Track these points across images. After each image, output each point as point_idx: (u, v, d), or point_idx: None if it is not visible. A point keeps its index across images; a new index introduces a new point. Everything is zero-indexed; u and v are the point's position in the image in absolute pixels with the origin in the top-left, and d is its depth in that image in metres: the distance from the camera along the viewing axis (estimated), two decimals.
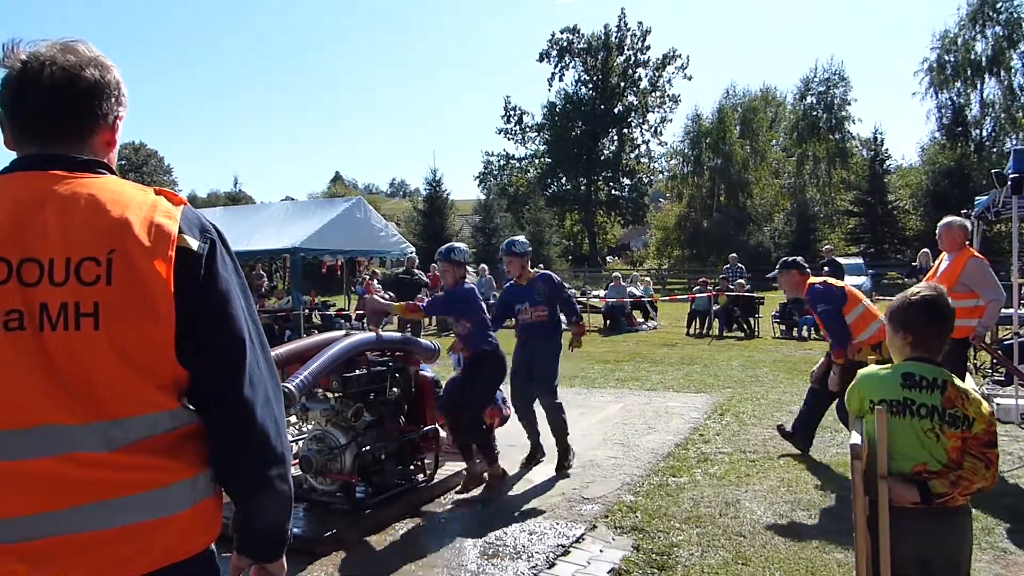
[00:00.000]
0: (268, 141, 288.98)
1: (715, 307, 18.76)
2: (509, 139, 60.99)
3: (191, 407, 1.61)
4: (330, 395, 5.57)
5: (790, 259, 6.96)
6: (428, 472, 6.09)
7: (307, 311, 17.80)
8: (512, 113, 59.81)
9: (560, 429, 6.69)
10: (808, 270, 6.90)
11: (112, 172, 1.64)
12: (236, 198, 57.67)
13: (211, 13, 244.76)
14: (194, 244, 1.55)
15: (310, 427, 5.71)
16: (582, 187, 57.89)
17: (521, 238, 7.01)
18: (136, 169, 67.63)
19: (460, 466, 6.29)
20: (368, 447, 5.46)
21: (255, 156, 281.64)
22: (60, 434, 1.45)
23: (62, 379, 1.45)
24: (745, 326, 18.12)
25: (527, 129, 59.67)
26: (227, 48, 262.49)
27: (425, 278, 16.59)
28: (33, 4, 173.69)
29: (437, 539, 5.10)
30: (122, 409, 1.49)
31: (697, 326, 18.78)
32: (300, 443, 5.78)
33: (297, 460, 5.38)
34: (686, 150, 53.87)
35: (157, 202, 1.57)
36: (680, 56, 58.17)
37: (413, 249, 18.52)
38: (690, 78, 72.98)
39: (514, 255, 6.79)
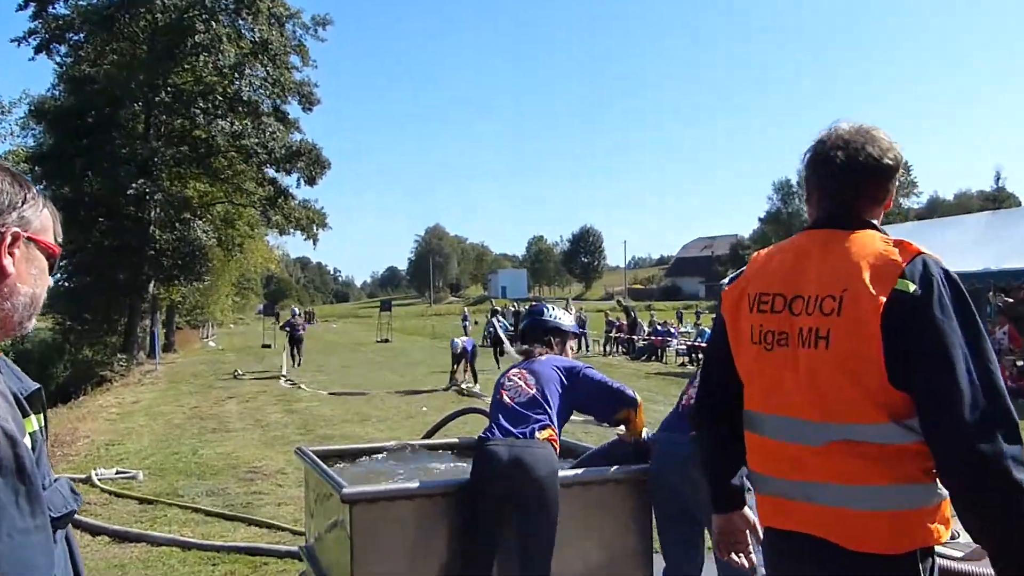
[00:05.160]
0: None
1: None
2: None
3: (907, 426, 1.90)
4: None
5: None
6: None
7: None
8: None
9: None
10: None
11: (873, 227, 2.05)
12: (995, 198, 46.94)
13: None
14: (910, 288, 1.89)
15: None
16: None
17: None
18: None
19: None
20: None
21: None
22: (799, 426, 1.99)
23: (806, 385, 1.98)
24: None
25: None
26: None
27: None
28: None
29: None
30: (839, 414, 1.93)
31: None
32: None
33: None
34: None
35: (889, 252, 1.95)
36: None
37: None
38: None
39: None
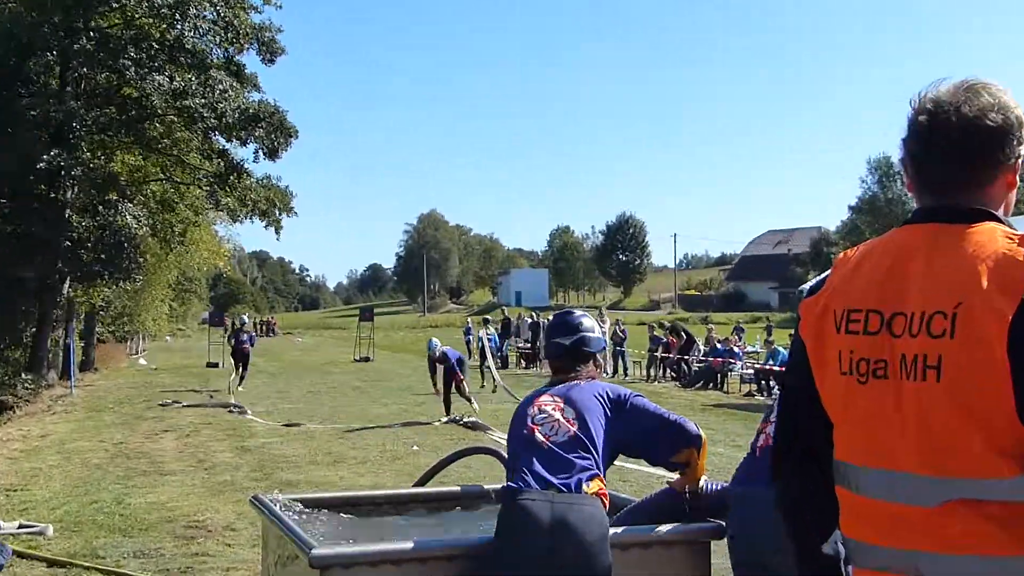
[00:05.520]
0: None
1: None
2: None
3: None
4: None
5: None
6: None
7: None
8: None
9: None
10: None
11: (994, 218, 1.98)
12: None
13: None
14: None
15: None
16: None
17: None
18: None
19: None
20: None
21: None
22: (905, 481, 1.93)
23: (913, 428, 1.92)
24: None
25: None
26: None
27: None
28: None
29: None
30: (956, 466, 1.87)
31: None
32: None
33: None
34: None
35: (1015, 252, 1.88)
36: None
37: None
38: None
39: None
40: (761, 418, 4.04)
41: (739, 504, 3.72)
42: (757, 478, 3.60)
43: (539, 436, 3.72)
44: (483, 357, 25.85)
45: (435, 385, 18.63)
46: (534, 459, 3.65)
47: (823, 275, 2.28)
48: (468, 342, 35.21)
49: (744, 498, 3.69)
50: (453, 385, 18.17)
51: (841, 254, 2.25)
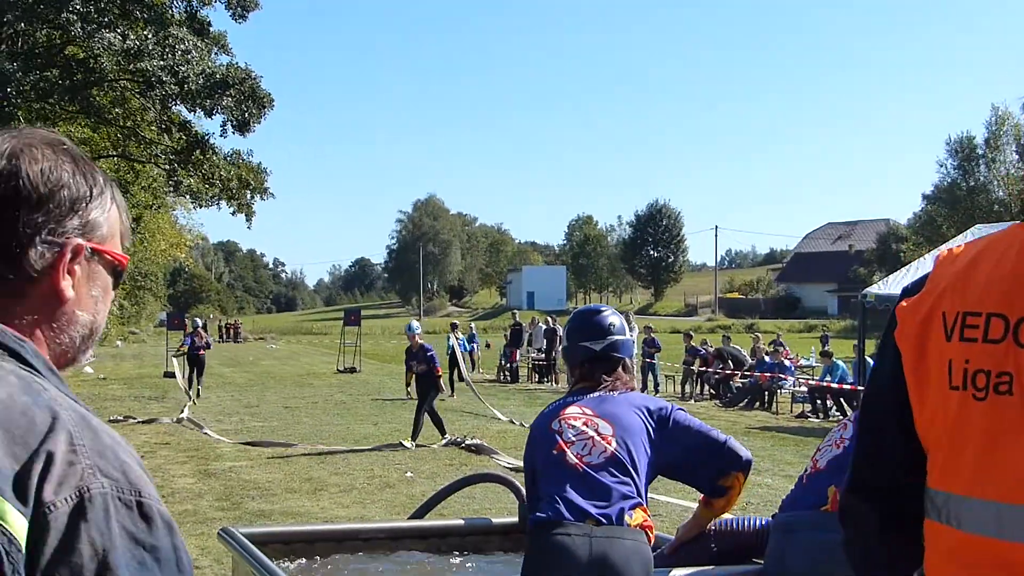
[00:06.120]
0: None
1: None
2: None
3: None
4: None
5: None
6: None
7: None
8: None
9: None
10: None
11: None
12: None
13: None
14: None
15: None
16: None
17: None
18: None
19: None
20: None
21: None
22: (1017, 514, 1.88)
23: None
24: None
25: None
26: None
27: None
28: None
29: None
30: None
31: None
32: None
33: None
34: None
35: None
36: None
37: None
38: None
39: None
40: (828, 440, 4.03)
41: (778, 533, 3.72)
42: (799, 504, 3.61)
43: (571, 457, 3.64)
44: (453, 365, 26.58)
45: (408, 386, 18.51)
46: (567, 484, 3.58)
47: (922, 276, 2.24)
48: (472, 350, 35.28)
49: (783, 526, 3.69)
50: (439, 380, 18.12)
51: (945, 251, 2.22)
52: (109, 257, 1.54)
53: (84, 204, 1.50)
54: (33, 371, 1.47)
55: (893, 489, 2.17)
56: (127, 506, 1.35)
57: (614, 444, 3.67)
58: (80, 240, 1.48)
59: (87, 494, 1.32)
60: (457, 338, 29.08)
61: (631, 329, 28.66)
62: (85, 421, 1.42)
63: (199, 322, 29.93)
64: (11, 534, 1.27)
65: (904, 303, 2.17)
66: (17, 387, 1.40)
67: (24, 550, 1.27)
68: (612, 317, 4.23)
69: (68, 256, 1.46)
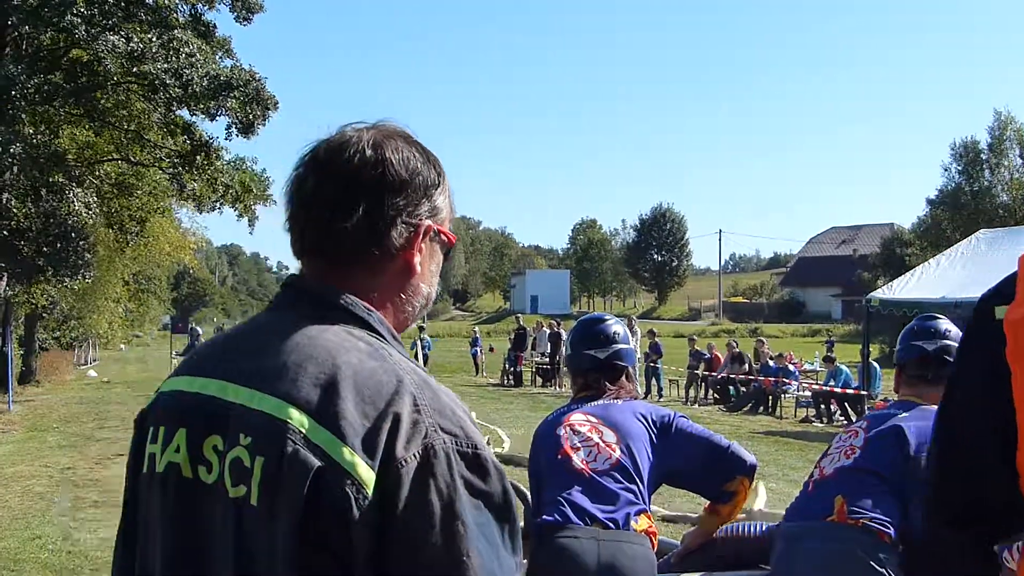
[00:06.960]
0: None
1: None
2: None
3: None
4: None
5: None
6: None
7: None
8: None
9: None
10: None
11: None
12: None
13: None
14: None
15: None
16: None
17: None
18: None
19: None
20: None
21: None
22: None
23: None
24: None
25: None
26: None
27: None
28: None
29: None
30: None
31: None
32: None
33: None
34: None
35: None
36: None
37: None
38: None
39: None
40: (836, 443, 4.03)
41: (784, 542, 3.73)
42: (805, 513, 3.61)
43: (577, 462, 3.68)
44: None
45: None
46: (573, 488, 3.60)
47: (1008, 275, 2.02)
48: (475, 355, 35.23)
49: (790, 536, 3.70)
50: None
51: None
52: (444, 237, 1.79)
53: (433, 190, 1.74)
54: (380, 338, 1.69)
55: (987, 514, 2.01)
56: (465, 458, 1.55)
57: (619, 451, 3.71)
58: (429, 222, 1.74)
59: (432, 450, 1.51)
60: (422, 341, 32.18)
61: (633, 334, 28.83)
62: (426, 383, 1.61)
63: (198, 330, 30.01)
64: (360, 483, 1.47)
65: (1011, 309, 1.94)
66: (366, 353, 1.61)
67: (370, 498, 1.47)
68: (616, 326, 4.28)
69: (421, 236, 1.72)
